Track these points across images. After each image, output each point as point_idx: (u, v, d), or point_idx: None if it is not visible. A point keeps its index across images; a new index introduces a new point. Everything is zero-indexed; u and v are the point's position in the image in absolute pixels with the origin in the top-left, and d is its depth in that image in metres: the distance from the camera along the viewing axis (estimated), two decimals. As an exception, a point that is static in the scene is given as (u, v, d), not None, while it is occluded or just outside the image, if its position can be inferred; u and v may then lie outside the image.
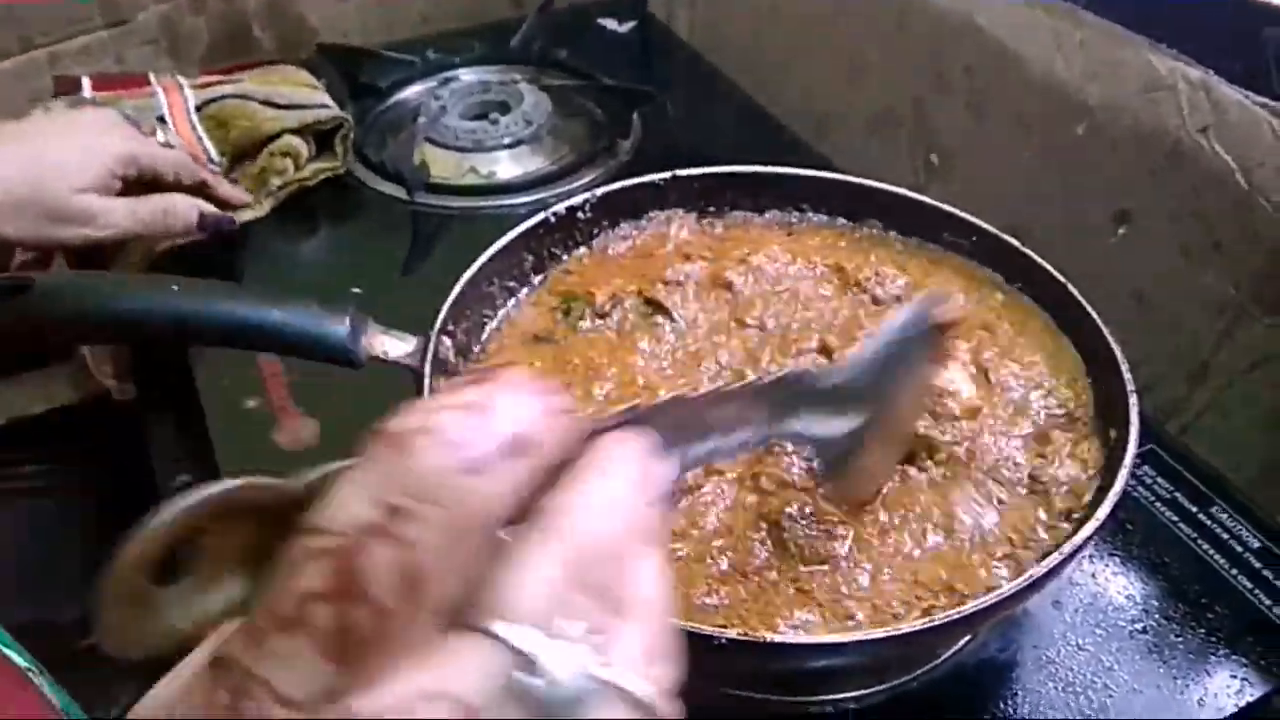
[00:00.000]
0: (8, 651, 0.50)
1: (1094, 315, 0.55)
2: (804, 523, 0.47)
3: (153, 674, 0.29)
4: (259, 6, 1.02)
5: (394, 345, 0.52)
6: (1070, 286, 0.57)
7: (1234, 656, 0.53)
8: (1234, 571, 0.57)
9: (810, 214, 0.67)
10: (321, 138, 0.87)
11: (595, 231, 0.65)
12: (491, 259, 0.59)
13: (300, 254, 0.85)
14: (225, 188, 0.80)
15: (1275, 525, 0.60)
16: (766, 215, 0.67)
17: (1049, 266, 0.58)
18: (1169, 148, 0.68)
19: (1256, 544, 0.58)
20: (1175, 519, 0.60)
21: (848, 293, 0.61)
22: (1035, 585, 0.43)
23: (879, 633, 0.41)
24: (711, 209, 0.67)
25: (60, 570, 1.16)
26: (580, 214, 0.64)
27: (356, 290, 0.76)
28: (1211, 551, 0.58)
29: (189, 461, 0.78)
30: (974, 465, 0.51)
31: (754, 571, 0.46)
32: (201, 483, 0.72)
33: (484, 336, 0.60)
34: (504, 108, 0.93)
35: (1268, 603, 0.56)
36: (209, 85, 0.90)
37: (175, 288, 0.49)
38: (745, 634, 0.41)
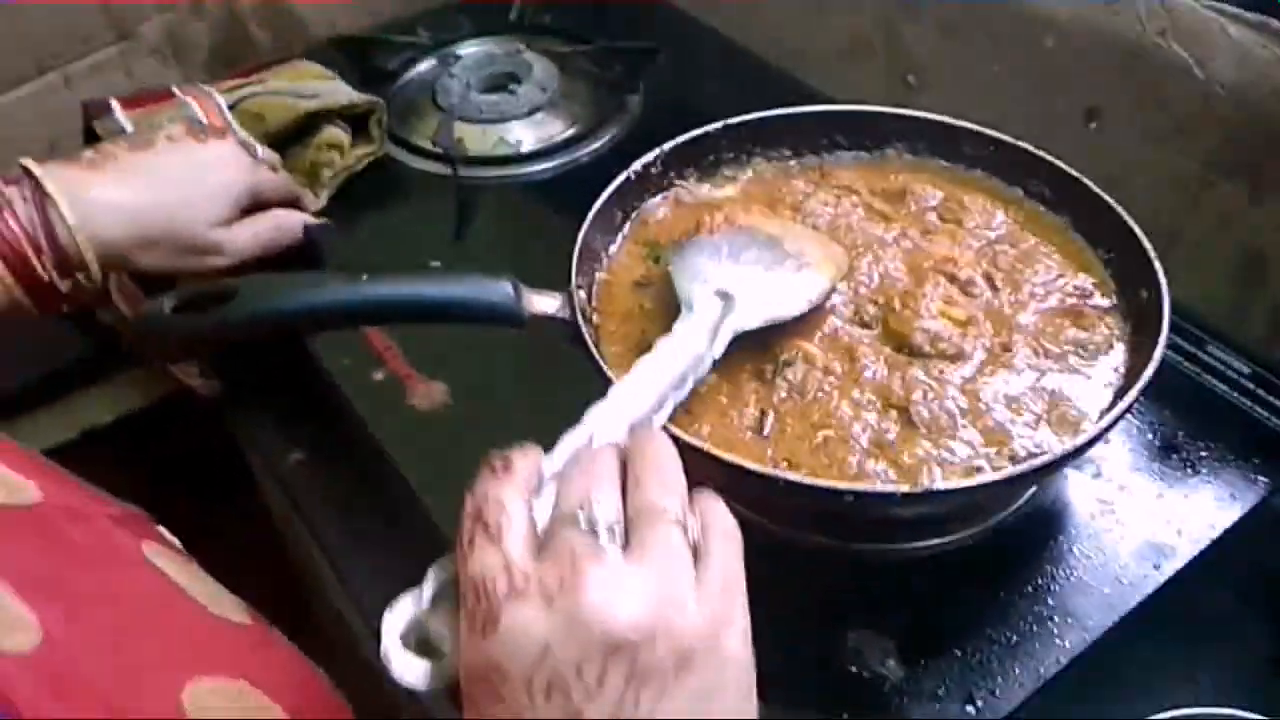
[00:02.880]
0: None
1: (1103, 194, 0.66)
2: (927, 404, 0.58)
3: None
4: (254, 5, 1.06)
5: (547, 302, 0.60)
6: (1075, 173, 0.68)
7: (1250, 460, 0.66)
8: (1234, 394, 0.70)
9: (840, 151, 0.77)
10: (356, 123, 0.93)
11: (665, 183, 0.74)
12: (596, 216, 0.67)
13: (360, 237, 0.91)
14: (309, 197, 0.85)
15: (1258, 354, 0.73)
16: (801, 161, 0.77)
17: (1056, 160, 0.69)
18: (1130, 49, 0.79)
19: (1247, 370, 0.72)
20: (1179, 359, 0.73)
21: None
22: (1113, 423, 0.54)
23: (1012, 470, 0.53)
24: (758, 152, 0.76)
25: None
26: (653, 169, 0.73)
27: (435, 263, 0.83)
28: (1214, 381, 0.71)
29: (296, 443, 0.85)
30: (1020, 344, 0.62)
31: (888, 445, 0.57)
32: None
33: (596, 283, 0.69)
34: (514, 78, 1.00)
35: (1264, 415, 0.69)
36: (235, 88, 0.95)
37: (365, 278, 0.57)
38: (915, 487, 0.52)
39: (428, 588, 0.42)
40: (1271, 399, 0.70)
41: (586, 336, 0.60)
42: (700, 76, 1.06)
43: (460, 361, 0.76)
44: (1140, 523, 0.63)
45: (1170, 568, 0.61)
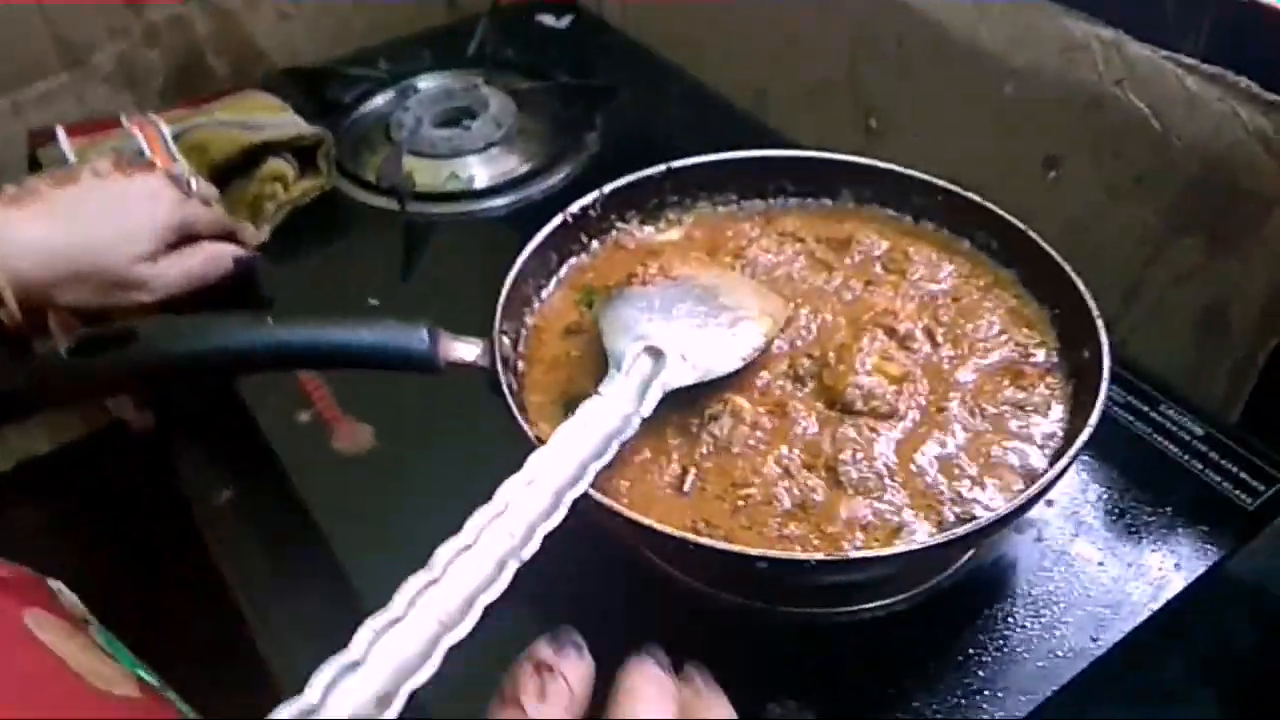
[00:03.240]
0: (139, 671, 0.54)
1: (1049, 249, 0.64)
2: (856, 464, 0.55)
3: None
4: (209, 33, 1.05)
5: (466, 350, 0.58)
6: (1021, 225, 0.66)
7: (1197, 527, 0.64)
8: (1185, 457, 0.68)
9: (786, 200, 0.75)
10: (303, 156, 0.91)
11: (604, 226, 0.72)
12: (527, 261, 0.65)
13: (303, 273, 0.89)
14: (248, 231, 0.84)
15: (1212, 416, 0.70)
16: (747, 206, 0.75)
17: (1002, 211, 0.67)
18: (1089, 98, 0.78)
19: (1201, 432, 0.69)
20: (1130, 419, 0.71)
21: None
22: (1051, 484, 0.52)
23: (941, 537, 0.50)
24: (703, 196, 0.74)
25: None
26: (591, 211, 0.71)
27: (374, 302, 0.81)
28: (1165, 443, 0.69)
29: (226, 481, 0.83)
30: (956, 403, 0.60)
31: (814, 506, 0.55)
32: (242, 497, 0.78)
33: (524, 332, 0.66)
34: (470, 113, 0.98)
35: (1217, 479, 0.66)
36: (181, 118, 0.93)
37: (270, 320, 0.54)
38: (830, 555, 0.49)
39: (312, 693, 0.40)
40: (1224, 463, 0.67)
41: (505, 387, 0.57)
42: (662, 116, 1.05)
43: (390, 403, 0.73)
44: (1080, 591, 0.60)
45: (1109, 639, 0.58)
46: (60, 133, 0.93)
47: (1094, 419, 0.54)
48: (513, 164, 0.95)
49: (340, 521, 0.66)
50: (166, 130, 0.90)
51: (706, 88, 1.07)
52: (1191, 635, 0.67)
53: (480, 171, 0.94)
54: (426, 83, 1.04)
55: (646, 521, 0.51)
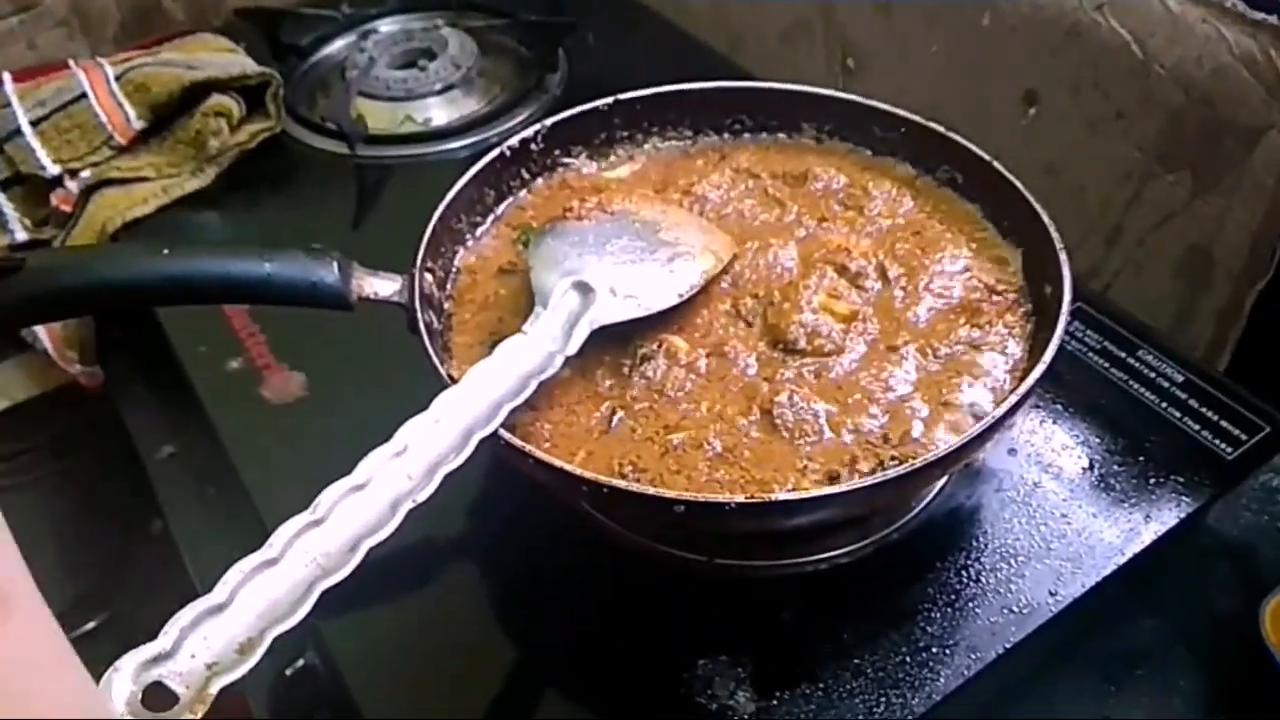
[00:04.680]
0: None
1: (1013, 180, 0.59)
2: (793, 407, 0.52)
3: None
4: (166, -24, 1.01)
5: (382, 285, 0.55)
6: (986, 157, 0.61)
7: (1171, 477, 0.60)
8: (1164, 405, 0.64)
9: (744, 136, 0.70)
10: (252, 99, 0.88)
11: (549, 163, 0.68)
12: (456, 196, 0.62)
13: (250, 218, 0.86)
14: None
15: (1194, 362, 0.66)
16: (701, 141, 0.71)
17: (966, 142, 0.63)
18: (1068, 27, 0.73)
19: (1181, 378, 0.65)
20: (1106, 365, 0.66)
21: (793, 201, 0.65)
22: (996, 426, 0.48)
23: (871, 479, 0.46)
24: (655, 131, 0.70)
25: (38, 567, 1.17)
26: (533, 146, 0.67)
27: (316, 246, 0.78)
28: (1142, 389, 0.64)
29: (172, 432, 0.80)
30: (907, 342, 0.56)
31: (747, 450, 0.51)
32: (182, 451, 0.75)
33: (455, 269, 0.63)
34: (430, 54, 0.94)
35: (1196, 427, 0.62)
36: (128, 60, 0.90)
37: (166, 252, 0.51)
38: (753, 497, 0.46)
39: (165, 639, 0.37)
40: (1205, 411, 0.63)
41: (422, 324, 0.54)
42: (631, 57, 1.01)
43: (326, 351, 0.70)
44: (1041, 544, 0.57)
45: (1068, 594, 0.54)
46: (5, 77, 0.91)
47: (1048, 354, 0.50)
48: (472, 106, 0.91)
49: (263, 472, 0.63)
50: (110, 71, 0.87)
51: (681, 30, 1.03)
52: (1169, 597, 0.63)
53: (438, 114, 0.91)
54: (387, 26, 1.00)
55: (555, 462, 0.47)
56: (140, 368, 0.84)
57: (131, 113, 0.84)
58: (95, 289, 0.51)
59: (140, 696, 0.35)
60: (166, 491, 0.79)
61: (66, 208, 0.83)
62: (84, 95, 0.86)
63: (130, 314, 0.76)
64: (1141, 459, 0.61)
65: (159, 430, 0.81)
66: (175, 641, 0.37)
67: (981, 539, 0.57)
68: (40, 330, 0.86)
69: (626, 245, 0.59)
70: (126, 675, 0.35)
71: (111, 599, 1.18)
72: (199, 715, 0.36)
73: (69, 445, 1.04)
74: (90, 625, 1.18)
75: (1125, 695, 0.58)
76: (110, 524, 1.16)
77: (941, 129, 0.64)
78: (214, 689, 0.36)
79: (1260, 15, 0.62)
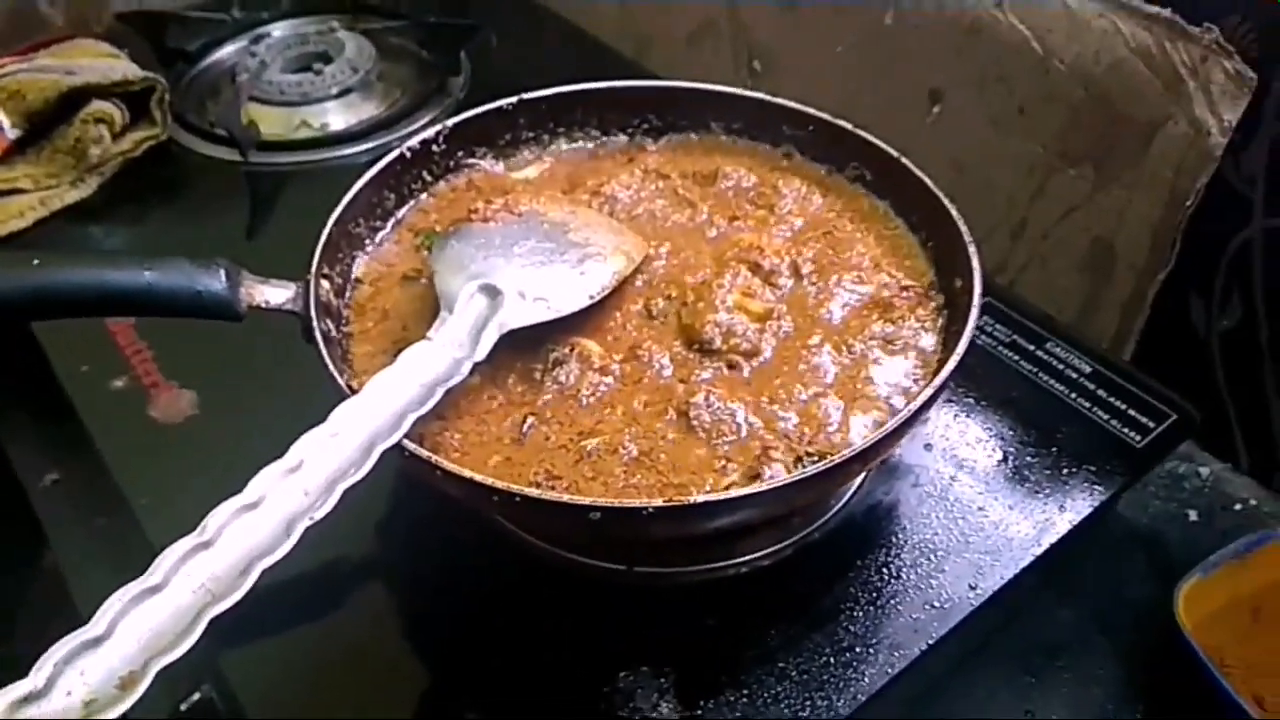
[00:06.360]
0: None
1: (921, 175, 0.59)
2: (709, 408, 0.50)
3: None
4: (41, -22, 0.96)
5: (274, 293, 0.52)
6: (894, 153, 0.61)
7: (1084, 467, 0.60)
8: (1073, 395, 0.64)
9: (652, 136, 0.69)
10: (136, 106, 0.83)
11: (452, 165, 0.66)
12: (354, 199, 0.59)
13: (136, 230, 0.81)
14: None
15: (1101, 353, 0.67)
16: (610, 142, 0.70)
17: (873, 138, 0.63)
18: (969, 24, 0.74)
19: (1089, 369, 0.65)
20: (1016, 358, 0.67)
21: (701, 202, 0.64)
22: (913, 419, 0.47)
23: (790, 477, 0.45)
24: (561, 132, 0.69)
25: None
26: (435, 147, 0.65)
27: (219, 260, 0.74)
28: (1051, 381, 0.65)
29: (56, 457, 0.75)
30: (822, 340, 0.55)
31: (663, 454, 0.49)
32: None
33: (355, 276, 0.60)
34: (325, 58, 0.91)
35: (1105, 417, 0.63)
36: (1, 66, 0.85)
37: (36, 262, 0.47)
38: (670, 500, 0.44)
39: (38, 675, 0.34)
40: (1113, 400, 0.64)
41: (318, 333, 0.51)
42: (536, 61, 0.99)
43: (216, 367, 0.67)
44: (959, 538, 0.56)
45: (988, 587, 0.54)
46: None
47: (962, 345, 0.49)
48: (371, 110, 0.88)
49: (153, 496, 0.60)
50: (-20, 78, 0.82)
51: (584, 32, 1.01)
52: (1083, 587, 0.64)
53: (335, 118, 0.87)
54: (280, 30, 0.97)
55: (464, 472, 0.45)
56: (18, 391, 0.79)
57: (5, 121, 0.79)
58: (-45, 303, 0.47)
59: None
60: (51, 521, 0.74)
61: (-65, 222, 0.78)
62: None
63: (3, 332, 0.71)
64: (1054, 450, 0.61)
65: (40, 457, 0.76)
66: (49, 678, 0.34)
67: (900, 535, 0.57)
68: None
69: (535, 247, 0.57)
70: None
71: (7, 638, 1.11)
72: None
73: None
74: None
75: (1046, 686, 0.58)
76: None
77: (849, 126, 0.64)
78: None
79: (1155, 9, 0.63)
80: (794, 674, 0.50)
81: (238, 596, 0.38)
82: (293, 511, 0.41)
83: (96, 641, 0.35)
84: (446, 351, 0.50)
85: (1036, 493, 0.59)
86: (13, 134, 0.80)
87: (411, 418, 0.46)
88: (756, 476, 0.48)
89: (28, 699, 0.33)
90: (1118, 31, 0.65)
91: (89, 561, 0.68)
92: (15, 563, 1.09)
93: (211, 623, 0.37)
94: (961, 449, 0.61)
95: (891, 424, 0.47)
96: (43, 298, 0.48)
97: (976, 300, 0.51)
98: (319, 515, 0.41)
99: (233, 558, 0.39)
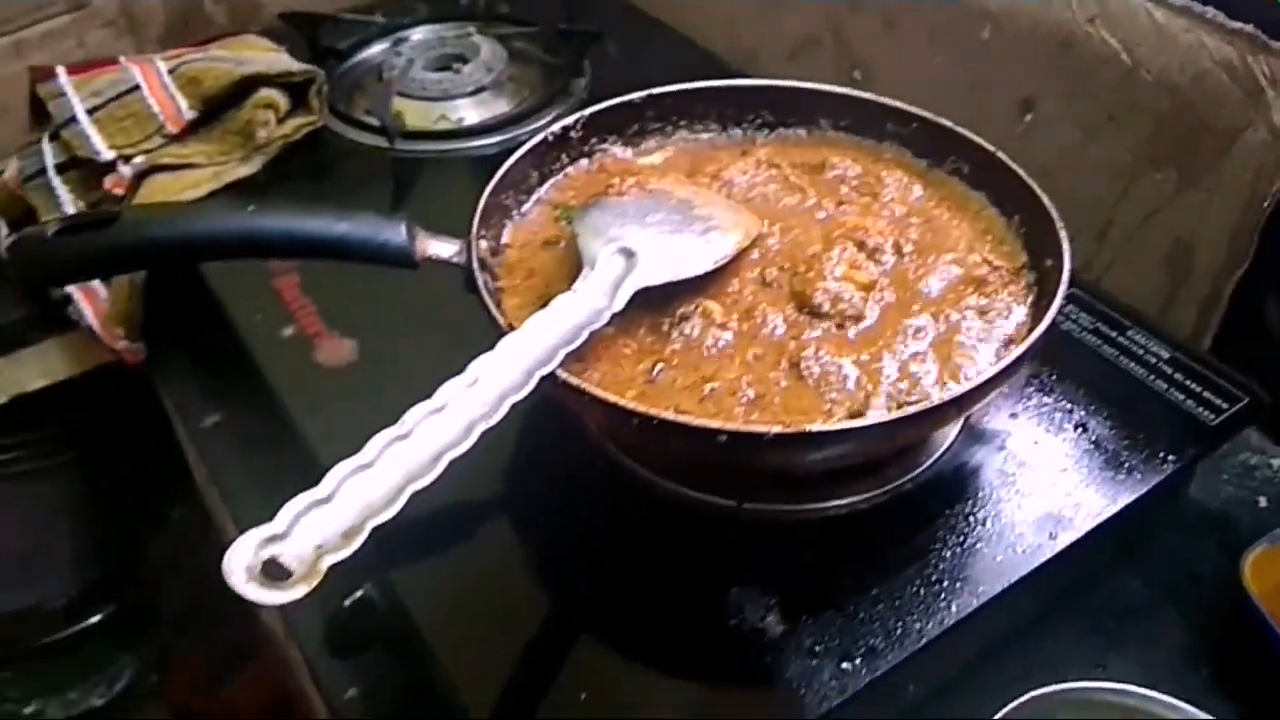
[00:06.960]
0: None
1: (1015, 167, 0.65)
2: (819, 360, 0.57)
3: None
4: (210, -18, 1.07)
5: (443, 247, 0.60)
6: (990, 147, 0.67)
7: (1156, 441, 0.65)
8: (1151, 378, 0.69)
9: (764, 130, 0.76)
10: (296, 95, 0.93)
11: (586, 150, 0.74)
12: (506, 173, 0.67)
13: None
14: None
15: (1179, 340, 0.72)
16: (727, 135, 0.77)
17: (972, 135, 0.69)
18: (1063, 39, 0.79)
19: (1167, 355, 0.70)
20: (1098, 343, 0.72)
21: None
22: (1005, 372, 0.53)
23: (894, 415, 0.51)
24: (683, 124, 0.76)
25: (50, 555, 1.19)
26: (573, 133, 0.72)
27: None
28: (1131, 365, 0.70)
29: (218, 402, 0.84)
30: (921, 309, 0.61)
31: (777, 397, 0.56)
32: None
33: (504, 241, 0.68)
34: (462, 59, 1.00)
35: (1180, 398, 0.68)
36: (179, 56, 0.95)
37: (251, 209, 0.56)
38: (788, 427, 0.51)
39: (279, 522, 0.41)
40: (1189, 383, 0.69)
41: (480, 283, 0.59)
42: (651, 68, 1.06)
43: (373, 318, 0.75)
44: (1040, 495, 0.62)
45: (1067, 538, 0.59)
46: (60, 70, 0.96)
47: (1051, 312, 0.55)
48: (502, 107, 0.97)
49: (324, 431, 0.67)
50: (162, 66, 0.92)
51: (695, 44, 1.09)
52: (1155, 559, 0.69)
53: (470, 114, 0.96)
54: (420, 33, 1.06)
55: (610, 397, 0.52)
56: (184, 342, 0.89)
57: (183, 103, 0.89)
58: (181, 240, 0.56)
59: (259, 569, 0.40)
60: (211, 459, 0.83)
61: (119, 191, 0.88)
62: (137, 87, 0.91)
63: (188, 281, 0.80)
64: (1131, 425, 0.66)
65: (204, 401, 0.85)
66: (289, 525, 0.41)
67: (986, 491, 0.62)
68: (86, 308, 0.90)
69: (664, 218, 0.64)
70: (247, 550, 0.40)
71: (120, 590, 1.20)
72: (307, 590, 0.40)
73: (89, 431, 1.07)
74: (96, 619, 1.19)
75: (1116, 646, 0.63)
76: (125, 512, 1.19)
77: (950, 124, 0.70)
78: (323, 566, 0.41)
79: (1238, 24, 0.68)
80: (886, 599, 0.56)
81: (432, 478, 0.45)
82: (472, 417, 0.48)
83: (323, 501, 0.43)
84: (590, 301, 0.57)
85: (1114, 462, 0.64)
86: (189, 115, 0.90)
87: (562, 352, 0.53)
88: (860, 416, 0.55)
89: (271, 539, 0.41)
90: (1202, 45, 0.71)
91: (249, 494, 0.77)
92: (147, 516, 1.18)
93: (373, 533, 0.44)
94: (1044, 420, 0.67)
95: (985, 372, 0.53)
96: (255, 240, 0.56)
97: (1065, 275, 0.57)
98: (493, 422, 0.48)
99: (426, 449, 0.46)
